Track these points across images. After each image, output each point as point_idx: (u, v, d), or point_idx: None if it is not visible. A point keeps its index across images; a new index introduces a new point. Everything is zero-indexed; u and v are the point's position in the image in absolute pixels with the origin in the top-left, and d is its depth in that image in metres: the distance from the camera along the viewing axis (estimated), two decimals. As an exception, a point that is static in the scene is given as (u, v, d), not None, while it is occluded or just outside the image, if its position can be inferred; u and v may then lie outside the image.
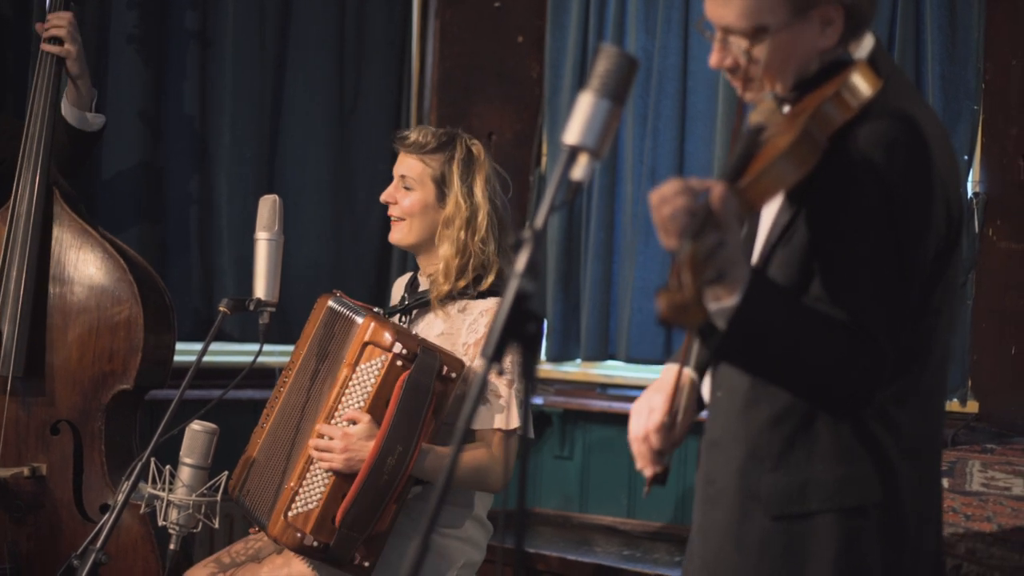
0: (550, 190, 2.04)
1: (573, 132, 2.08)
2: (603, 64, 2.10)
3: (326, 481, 3.17)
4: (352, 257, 4.94)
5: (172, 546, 3.29)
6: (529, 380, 2.03)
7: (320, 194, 4.83)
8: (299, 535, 3.16)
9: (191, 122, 4.59)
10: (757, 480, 2.26)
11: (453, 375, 3.18)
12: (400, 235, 3.47)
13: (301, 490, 3.20)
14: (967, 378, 4.29)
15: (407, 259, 4.95)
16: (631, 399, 4.87)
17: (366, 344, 3.18)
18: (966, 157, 4.24)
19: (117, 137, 4.40)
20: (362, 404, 3.17)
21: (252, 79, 4.70)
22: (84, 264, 3.80)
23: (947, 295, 2.27)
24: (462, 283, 3.36)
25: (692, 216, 2.01)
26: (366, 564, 3.18)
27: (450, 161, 3.42)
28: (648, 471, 2.38)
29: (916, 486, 2.26)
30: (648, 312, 4.74)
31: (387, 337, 3.16)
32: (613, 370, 4.99)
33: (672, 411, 2.36)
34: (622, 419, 4.83)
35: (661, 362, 4.78)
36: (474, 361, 3.30)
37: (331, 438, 3.15)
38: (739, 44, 2.24)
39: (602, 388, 4.99)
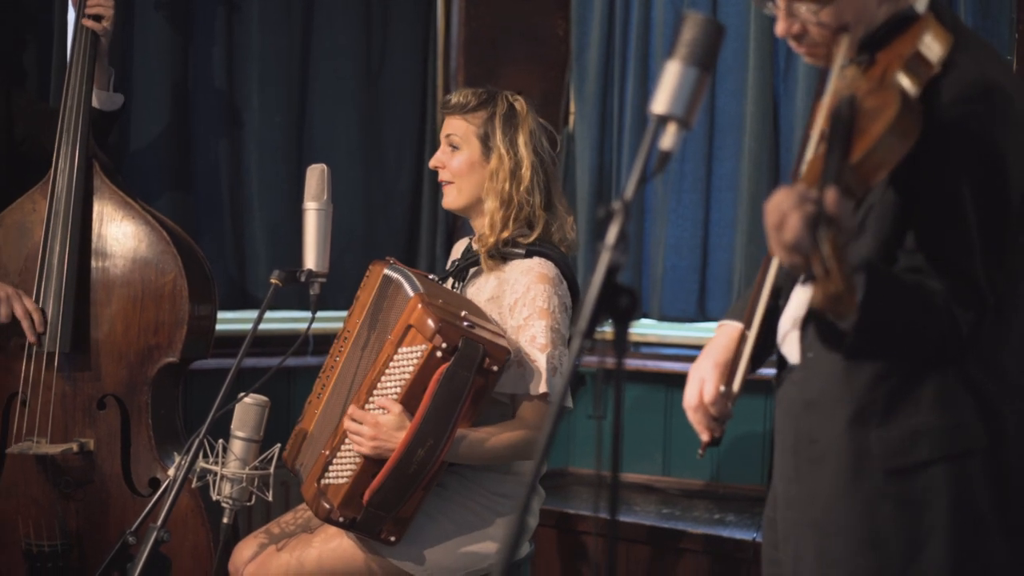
0: (639, 161, 2.02)
1: (661, 101, 2.06)
2: (689, 32, 2.08)
3: (357, 460, 3.14)
4: (383, 220, 4.90)
5: (225, 520, 3.28)
6: (622, 354, 2.03)
7: (350, 157, 4.79)
8: (327, 507, 3.14)
9: (219, 88, 4.54)
10: (866, 437, 2.29)
11: (495, 368, 3.08)
12: (452, 198, 3.42)
13: (335, 460, 3.19)
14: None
15: (437, 222, 4.92)
16: (664, 357, 4.93)
17: (410, 327, 3.09)
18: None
19: (145, 105, 4.35)
20: (398, 391, 3.10)
21: (279, 43, 4.65)
22: (126, 237, 3.76)
23: None
24: (506, 234, 3.33)
25: (813, 227, 1.99)
26: (392, 539, 3.15)
27: (492, 117, 3.40)
28: (705, 437, 2.45)
29: (1018, 426, 2.30)
30: (681, 270, 4.72)
31: (430, 325, 3.04)
32: (646, 328, 4.98)
33: (728, 380, 2.43)
34: (656, 377, 4.86)
35: (694, 320, 4.78)
36: (512, 320, 3.26)
37: (362, 423, 3.11)
38: (808, 8, 2.26)
39: (635, 347, 4.98)
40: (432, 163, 3.45)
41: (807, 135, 2.29)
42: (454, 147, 3.40)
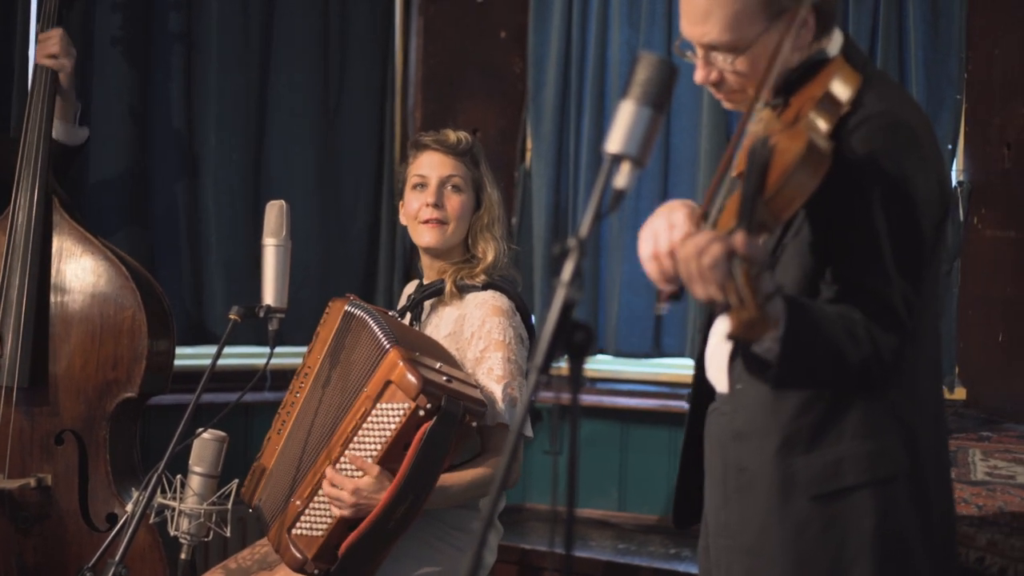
0: (594, 199, 2.05)
1: (615, 141, 2.09)
2: (643, 72, 2.12)
3: (333, 514, 3.12)
4: (340, 256, 4.92)
5: (183, 555, 3.27)
6: (577, 388, 2.07)
7: (307, 194, 4.81)
8: (300, 557, 3.14)
9: (177, 124, 4.55)
10: (792, 465, 2.36)
11: (474, 423, 3.08)
12: (443, 237, 3.43)
13: (307, 511, 3.17)
14: (955, 365, 4.35)
15: (394, 258, 4.94)
16: (620, 393, 4.95)
17: (389, 382, 3.04)
18: (950, 146, 4.29)
19: (103, 140, 4.36)
20: (377, 450, 3.06)
21: (237, 80, 4.67)
22: (85, 272, 3.77)
23: (939, 261, 2.44)
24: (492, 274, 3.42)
25: (729, 257, 2.06)
26: None
27: (478, 164, 3.48)
28: (668, 288, 2.25)
29: (934, 447, 2.39)
30: (636, 307, 4.76)
31: (413, 383, 2.99)
32: (602, 364, 5.01)
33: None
34: (611, 413, 4.89)
35: (649, 356, 4.82)
36: (469, 353, 3.30)
37: (342, 488, 3.07)
38: (724, 58, 2.35)
39: (591, 383, 5.00)
40: (431, 200, 3.42)
41: (719, 178, 2.35)
42: (456, 188, 3.43)
